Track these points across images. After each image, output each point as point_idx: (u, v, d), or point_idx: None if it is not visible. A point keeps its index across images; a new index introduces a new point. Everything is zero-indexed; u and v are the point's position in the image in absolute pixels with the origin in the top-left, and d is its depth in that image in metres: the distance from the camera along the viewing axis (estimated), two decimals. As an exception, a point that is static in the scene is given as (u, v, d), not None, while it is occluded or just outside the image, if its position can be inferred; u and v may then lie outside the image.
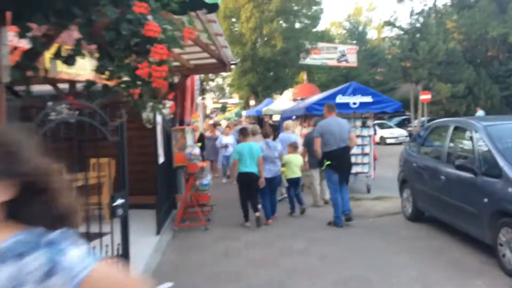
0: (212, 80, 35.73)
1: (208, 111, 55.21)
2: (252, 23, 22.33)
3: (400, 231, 6.62)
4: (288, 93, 19.52)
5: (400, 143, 22.68)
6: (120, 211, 4.24)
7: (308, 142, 8.04)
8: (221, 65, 8.22)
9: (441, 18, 28.84)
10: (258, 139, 9.66)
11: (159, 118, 6.75)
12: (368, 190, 9.95)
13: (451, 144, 5.94)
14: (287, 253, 5.74)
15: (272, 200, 7.43)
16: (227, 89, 48.22)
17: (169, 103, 7.96)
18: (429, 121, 26.75)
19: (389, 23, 29.60)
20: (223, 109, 56.69)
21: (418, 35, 26.22)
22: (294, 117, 14.07)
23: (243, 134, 7.45)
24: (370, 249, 5.78)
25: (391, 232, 6.57)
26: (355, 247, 5.88)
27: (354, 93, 9.66)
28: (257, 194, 7.15)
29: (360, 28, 42.58)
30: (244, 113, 26.81)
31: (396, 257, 5.44)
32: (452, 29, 29.03)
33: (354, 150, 9.79)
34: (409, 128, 25.99)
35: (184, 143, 7.60)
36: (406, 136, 24.90)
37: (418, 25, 27.01)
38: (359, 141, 9.91)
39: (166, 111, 7.91)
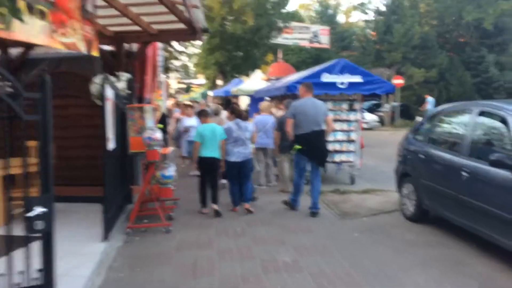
0: (176, 58, 33.79)
1: (172, 91, 53.29)
2: (221, -4, 20.76)
3: (404, 235, 5.53)
4: (259, 73, 18.18)
5: (371, 129, 21.96)
6: (39, 225, 2.86)
7: (281, 125, 7.36)
8: (191, 32, 6.79)
9: (415, 1, 28.06)
10: (220, 119, 8.71)
11: (109, 93, 5.30)
12: (352, 181, 8.88)
13: (477, 133, 4.84)
14: (271, 267, 4.51)
15: (245, 187, 6.67)
16: (193, 69, 46.41)
17: (125, 75, 6.49)
18: (401, 106, 26.23)
19: (360, 6, 28.62)
20: (188, 89, 54.86)
21: (394, 17, 25.34)
22: (268, 98, 12.86)
23: (203, 115, 6.76)
24: (374, 261, 4.64)
25: (393, 236, 5.47)
26: (355, 260, 4.71)
27: (342, 71, 8.46)
28: (216, 181, 6.62)
29: (330, 11, 41.53)
30: (210, 93, 25.25)
31: (409, 274, 4.31)
32: (426, 13, 28.38)
33: (339, 136, 8.71)
34: (380, 114, 25.34)
35: (143, 124, 6.18)
36: (378, 122, 24.21)
37: (393, 7, 26.13)
38: (344, 126, 8.79)
39: (121, 85, 6.45)
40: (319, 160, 6.47)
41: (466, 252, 4.86)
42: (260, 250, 5.00)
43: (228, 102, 22.83)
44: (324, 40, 29.36)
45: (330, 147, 8.72)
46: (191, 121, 9.79)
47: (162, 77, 19.42)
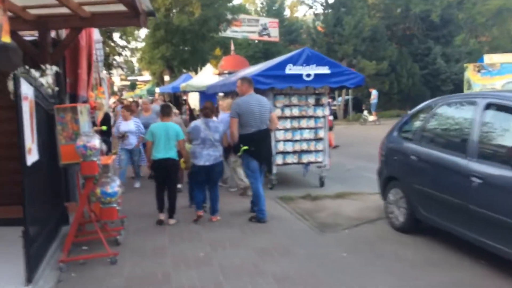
0: (120, 54, 31.76)
1: (115, 89, 50.79)
2: (165, -16, 19.26)
3: (399, 252, 4.70)
4: (209, 67, 17.00)
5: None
6: None
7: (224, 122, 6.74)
8: (133, 14, 5.57)
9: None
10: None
11: (26, 90, 4.04)
12: (322, 184, 8.06)
13: (485, 130, 4.07)
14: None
15: (212, 194, 6.03)
16: (137, 65, 44.35)
17: (51, 68, 5.20)
18: (353, 100, 26.03)
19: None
20: (133, 86, 52.70)
21: (343, 9, 24.97)
22: (221, 94, 11.81)
23: (164, 112, 6.07)
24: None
25: (387, 255, 4.62)
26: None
27: (307, 62, 7.57)
28: (175, 188, 6.04)
29: (276, 5, 40.89)
30: (157, 90, 23.74)
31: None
32: (373, 5, 28.33)
33: (306, 135, 7.85)
34: (333, 107, 24.97)
35: (76, 129, 4.94)
36: (329, 115, 23.80)
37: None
38: (311, 123, 7.92)
39: (46, 80, 5.15)
40: (266, 161, 6.16)
41: (480, 274, 4.08)
42: (233, 285, 3.97)
43: (177, 99, 21.51)
44: (274, 33, 28.57)
45: (297, 146, 7.87)
46: (129, 125, 8.11)
47: (103, 72, 17.86)
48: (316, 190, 7.71)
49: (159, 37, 20.84)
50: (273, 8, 39.68)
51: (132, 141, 8.06)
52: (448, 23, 26.40)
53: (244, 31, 26.25)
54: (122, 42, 29.23)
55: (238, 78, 8.21)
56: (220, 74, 14.30)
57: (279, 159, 7.80)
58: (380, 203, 5.95)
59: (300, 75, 7.51)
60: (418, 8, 24.16)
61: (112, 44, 29.29)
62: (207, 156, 5.80)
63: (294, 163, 7.93)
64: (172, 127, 5.84)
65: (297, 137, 7.84)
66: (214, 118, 6.40)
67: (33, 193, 4.15)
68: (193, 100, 21.22)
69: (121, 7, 5.40)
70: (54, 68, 5.27)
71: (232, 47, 17.14)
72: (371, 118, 21.98)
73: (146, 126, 7.36)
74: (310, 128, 7.94)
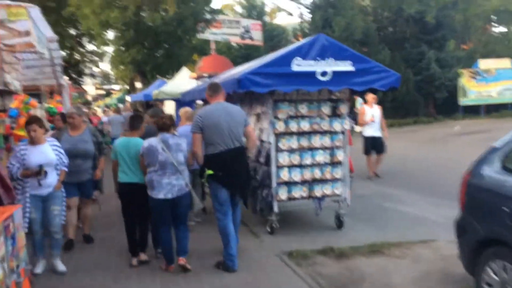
0: (93, 61, 29.08)
1: (89, 98, 48.04)
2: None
3: None
4: (186, 71, 14.64)
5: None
6: None
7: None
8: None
9: (353, -6, 26.07)
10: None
11: None
12: (340, 224, 5.80)
13: None
14: None
15: (180, 233, 4.61)
16: (112, 73, 41.84)
17: None
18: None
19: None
20: (108, 95, 50.28)
21: (331, 10, 22.99)
22: (200, 102, 9.54)
23: (131, 125, 4.93)
24: None
25: None
26: None
27: (322, 54, 5.31)
28: (145, 216, 4.83)
29: (255, 12, 38.94)
30: (128, 98, 21.20)
31: None
32: (363, 7, 26.51)
33: (320, 157, 5.60)
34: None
35: None
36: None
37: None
38: (327, 140, 5.67)
39: None
40: (240, 190, 4.67)
41: None
42: None
43: (150, 108, 18.99)
44: (257, 36, 26.28)
45: (307, 174, 5.60)
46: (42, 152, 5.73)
47: (64, 79, 15.25)
48: (334, 235, 5.49)
49: (128, 39, 18.36)
50: (253, 12, 37.73)
51: (51, 180, 4.46)
52: (442, 26, 24.72)
53: (224, 33, 23.92)
54: (91, 47, 26.72)
55: (231, 77, 5.95)
56: (198, 77, 11.94)
57: (282, 193, 5.52)
58: (447, 260, 3.77)
59: (312, 74, 5.26)
60: (413, 9, 22.36)
61: (83, 50, 26.73)
62: (169, 186, 4.41)
63: (303, 198, 5.66)
64: (133, 142, 4.73)
65: (307, 160, 5.58)
66: (175, 131, 4.74)
67: None
68: (170, 110, 18.79)
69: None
70: None
71: (213, 46, 14.78)
72: (358, 128, 19.90)
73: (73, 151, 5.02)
74: (325, 148, 5.69)
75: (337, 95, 5.74)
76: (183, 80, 12.99)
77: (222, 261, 4.57)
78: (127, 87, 26.57)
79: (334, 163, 5.74)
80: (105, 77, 53.27)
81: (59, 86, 13.08)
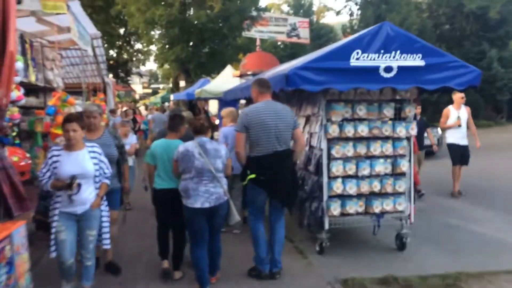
0: (144, 64, 29.46)
1: (137, 97, 49.09)
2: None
3: None
4: (229, 69, 14.11)
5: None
6: None
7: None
8: None
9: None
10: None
11: None
12: (402, 246, 4.96)
13: None
14: None
15: (213, 247, 4.15)
16: (160, 73, 42.60)
17: None
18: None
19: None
20: (155, 94, 51.29)
21: (384, 7, 21.79)
22: (243, 101, 8.93)
23: (170, 126, 4.48)
24: None
25: None
26: None
27: (387, 46, 4.49)
28: (182, 228, 4.29)
29: (302, 11, 38.02)
30: (171, 97, 21.00)
31: None
32: (417, 3, 25.06)
33: (380, 167, 4.77)
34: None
35: None
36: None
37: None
38: (388, 148, 4.84)
39: None
40: (284, 197, 4.30)
41: None
42: None
43: (193, 108, 18.65)
44: (304, 34, 25.43)
45: (365, 187, 4.80)
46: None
47: (109, 78, 15.14)
48: (395, 259, 4.66)
49: (173, 36, 18.08)
50: (301, 10, 36.84)
51: (86, 195, 3.63)
52: (505, 22, 22.87)
53: (270, 31, 23.24)
54: (138, 46, 26.93)
55: (278, 73, 5.25)
56: (241, 75, 11.32)
57: (334, 207, 4.74)
58: None
59: (375, 69, 4.45)
60: (474, 4, 20.75)
61: (131, 50, 26.98)
62: (206, 194, 3.93)
63: (358, 213, 4.86)
64: (174, 145, 4.24)
65: (365, 171, 4.78)
66: (216, 134, 4.61)
67: None
68: (214, 109, 18.34)
69: None
70: None
71: (258, 42, 14.14)
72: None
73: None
74: (386, 157, 4.86)
75: (402, 94, 4.90)
76: (227, 78, 12.44)
77: (253, 267, 4.33)
78: (171, 85, 26.60)
79: (397, 174, 4.90)
80: (152, 76, 54.32)
81: (103, 83, 12.89)
